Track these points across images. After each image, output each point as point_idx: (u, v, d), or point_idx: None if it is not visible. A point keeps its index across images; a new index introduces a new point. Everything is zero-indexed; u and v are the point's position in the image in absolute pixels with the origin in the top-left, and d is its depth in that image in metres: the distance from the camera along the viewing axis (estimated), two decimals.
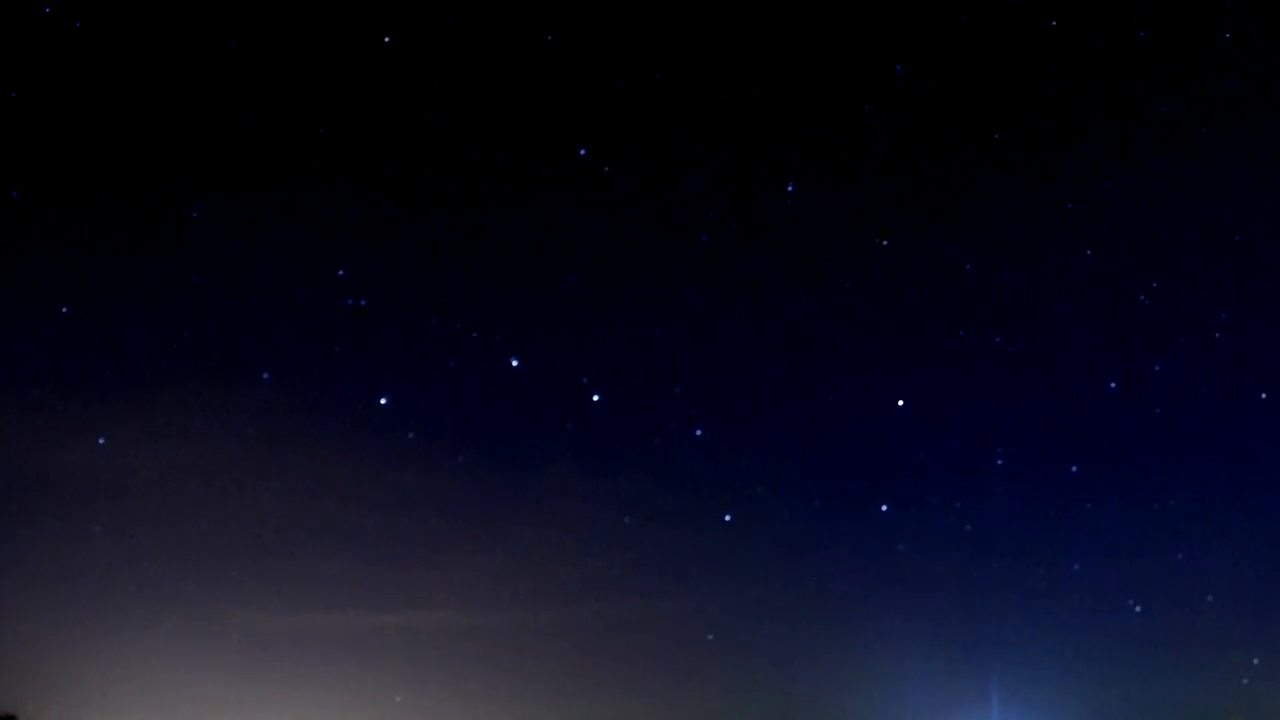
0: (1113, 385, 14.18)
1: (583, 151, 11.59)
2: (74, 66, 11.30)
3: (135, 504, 12.56)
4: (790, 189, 12.46)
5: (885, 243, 13.33)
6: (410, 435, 12.86)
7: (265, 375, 12.52)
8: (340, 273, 12.42)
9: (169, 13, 11.11)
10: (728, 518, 14.04)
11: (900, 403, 14.00)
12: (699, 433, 13.91)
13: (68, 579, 12.47)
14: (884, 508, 14.16)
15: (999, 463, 14.22)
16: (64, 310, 12.15)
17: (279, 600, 12.28)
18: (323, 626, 12.33)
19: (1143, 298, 13.52)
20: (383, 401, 12.69)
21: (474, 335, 12.78)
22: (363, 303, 12.30)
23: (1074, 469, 14.61)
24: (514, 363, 12.98)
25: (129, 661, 11.95)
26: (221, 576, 12.55)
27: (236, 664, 12.20)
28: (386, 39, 11.21)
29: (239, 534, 12.76)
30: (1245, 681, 13.50)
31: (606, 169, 11.85)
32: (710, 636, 13.95)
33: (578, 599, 14.04)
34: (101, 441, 12.03)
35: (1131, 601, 14.05)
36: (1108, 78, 12.73)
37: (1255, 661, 13.77)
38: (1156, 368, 14.23)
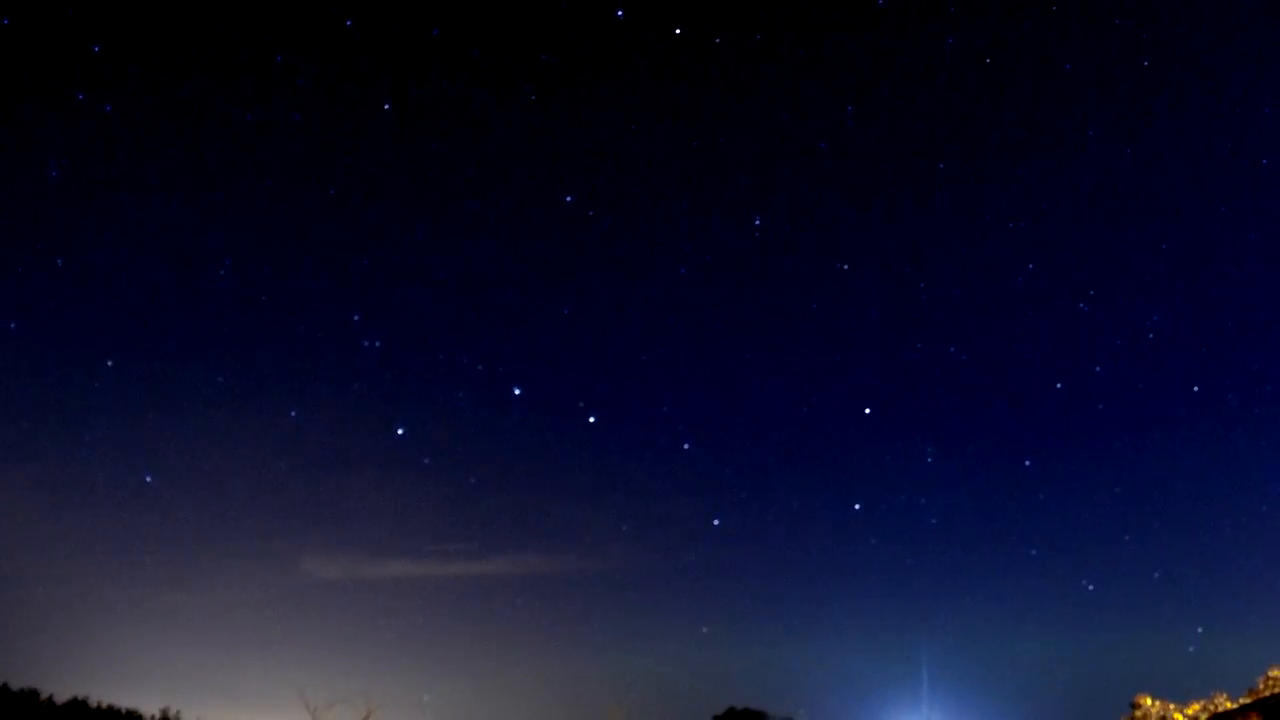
0: (1059, 386, 15.49)
1: (569, 199, 12.95)
2: (107, 144, 12.64)
3: (172, 509, 13.84)
4: (758, 222, 13.79)
5: (846, 267, 14.65)
6: (426, 461, 14.17)
7: (292, 413, 13.84)
8: (356, 318, 13.75)
9: (189, 98, 12.47)
10: (716, 522, 15.42)
11: (867, 410, 15.30)
12: (687, 446, 15.22)
13: (116, 570, 13.83)
14: (856, 506, 15.53)
15: (958, 461, 15.52)
16: (109, 363, 13.45)
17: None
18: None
19: (1082, 306, 14.84)
20: (400, 432, 14.05)
21: (479, 369, 14.12)
22: (377, 344, 13.65)
23: (1027, 463, 15.98)
24: (517, 391, 14.36)
25: (164, 639, 13.27)
26: (280, 550, 13.78)
27: (303, 616, 13.47)
28: (386, 106, 12.53)
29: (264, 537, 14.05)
30: (1191, 649, 14.82)
31: (591, 213, 13.16)
32: (705, 629, 15.30)
33: (577, 599, 15.42)
34: (149, 480, 13.33)
35: (1085, 581, 15.42)
36: (1040, 108, 14.11)
37: (1199, 630, 15.12)
38: (1097, 369, 15.58)
